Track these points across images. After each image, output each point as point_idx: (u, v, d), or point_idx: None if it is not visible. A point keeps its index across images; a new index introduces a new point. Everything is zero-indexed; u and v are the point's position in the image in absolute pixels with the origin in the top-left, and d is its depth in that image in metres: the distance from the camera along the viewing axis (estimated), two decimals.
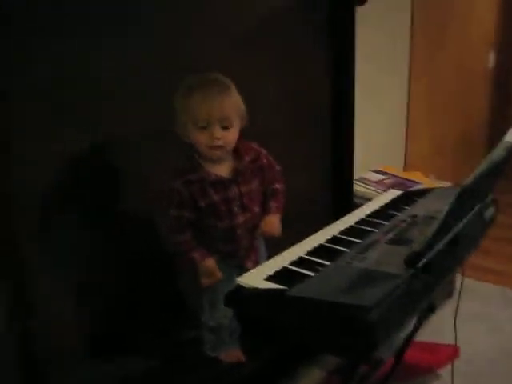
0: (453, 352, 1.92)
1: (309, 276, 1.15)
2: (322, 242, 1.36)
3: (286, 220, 1.61)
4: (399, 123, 3.38)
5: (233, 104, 1.41)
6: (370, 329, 0.95)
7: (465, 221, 1.30)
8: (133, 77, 1.54)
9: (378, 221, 1.48)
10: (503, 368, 2.31)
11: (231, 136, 1.43)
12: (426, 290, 1.13)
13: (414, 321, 1.60)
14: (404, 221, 1.41)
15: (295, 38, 2.09)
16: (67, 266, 1.51)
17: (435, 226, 1.05)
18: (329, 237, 1.39)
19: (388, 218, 1.48)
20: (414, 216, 1.43)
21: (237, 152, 1.49)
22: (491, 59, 4.49)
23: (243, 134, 1.50)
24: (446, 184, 2.85)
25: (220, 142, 1.41)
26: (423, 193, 1.69)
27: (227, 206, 1.48)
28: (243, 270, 1.52)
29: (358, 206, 1.68)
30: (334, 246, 1.33)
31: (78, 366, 1.59)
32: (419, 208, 1.52)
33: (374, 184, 2.59)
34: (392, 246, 1.25)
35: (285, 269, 1.22)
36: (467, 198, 1.19)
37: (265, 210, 1.56)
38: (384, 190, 2.42)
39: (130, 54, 1.53)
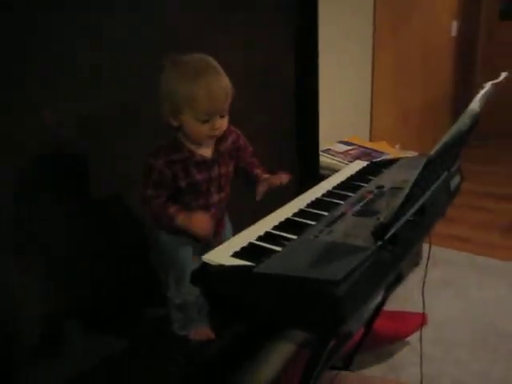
0: (421, 319, 1.94)
1: (275, 251, 1.13)
2: (288, 216, 1.34)
3: (251, 194, 1.59)
4: (364, 94, 3.37)
5: (230, 93, 1.38)
6: (337, 303, 0.93)
7: (431, 190, 1.30)
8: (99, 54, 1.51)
9: (344, 193, 1.46)
10: (470, 333, 2.36)
11: (226, 123, 1.42)
12: (393, 262, 1.12)
13: (382, 291, 1.60)
14: (370, 192, 1.40)
15: (257, 9, 2.05)
16: (30, 242, 1.48)
17: (402, 196, 1.03)
18: (295, 210, 1.37)
19: (354, 189, 1.46)
20: (381, 187, 1.42)
21: None
22: (454, 28, 4.51)
23: None
24: (411, 153, 2.87)
25: (218, 132, 1.40)
26: (389, 163, 1.68)
27: (207, 185, 1.47)
28: (209, 246, 1.52)
29: (324, 177, 1.66)
30: (300, 220, 1.31)
31: (43, 349, 1.56)
32: (385, 179, 1.50)
33: (340, 155, 2.58)
34: (359, 218, 1.24)
35: (251, 244, 1.19)
36: (433, 168, 1.18)
37: (253, 180, 1.57)
38: (350, 161, 2.42)
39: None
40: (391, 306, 2.29)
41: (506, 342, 2.29)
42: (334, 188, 1.52)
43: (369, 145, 2.77)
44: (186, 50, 1.52)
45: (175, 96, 1.34)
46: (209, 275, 1.14)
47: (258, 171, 1.57)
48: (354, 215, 1.26)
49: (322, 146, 2.58)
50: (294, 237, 1.19)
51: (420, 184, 1.12)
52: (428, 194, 1.27)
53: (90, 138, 1.57)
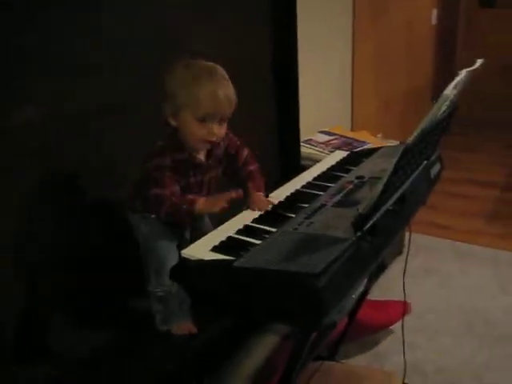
0: (404, 308, 1.95)
1: (255, 244, 1.12)
2: (268, 209, 1.33)
3: (232, 186, 1.58)
4: (345, 84, 3.36)
5: (234, 104, 1.37)
6: (318, 296, 0.93)
7: (411, 179, 1.29)
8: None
9: (324, 183, 1.46)
10: (454, 320, 2.38)
11: (224, 130, 1.40)
12: (374, 252, 1.11)
13: (364, 281, 1.60)
14: (350, 182, 1.39)
15: (236, 0, 2.03)
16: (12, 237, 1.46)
17: (380, 186, 1.03)
18: (275, 202, 1.36)
19: (335, 180, 1.46)
20: (361, 177, 1.42)
21: None
22: (434, 17, 4.52)
23: None
24: (393, 142, 2.87)
25: (215, 138, 1.38)
26: (369, 153, 1.67)
27: (198, 188, 1.46)
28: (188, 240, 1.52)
29: (305, 168, 1.65)
30: (280, 212, 1.30)
31: (22, 342, 1.54)
32: (365, 169, 1.50)
33: (321, 145, 2.57)
34: (339, 209, 1.23)
35: (230, 238, 1.18)
36: (412, 157, 1.18)
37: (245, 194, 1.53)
38: (331, 151, 2.41)
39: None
40: (375, 295, 2.30)
41: (489, 328, 2.31)
42: (314, 179, 1.51)
43: (350, 134, 2.77)
44: (163, 41, 1.53)
45: (178, 94, 1.34)
46: (188, 270, 1.13)
47: (249, 185, 1.50)
48: (333, 206, 1.25)
49: (304, 136, 2.57)
50: (274, 229, 1.18)
51: (398, 173, 1.11)
52: (407, 183, 1.26)
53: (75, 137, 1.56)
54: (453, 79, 1.19)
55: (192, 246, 1.17)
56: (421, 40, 4.39)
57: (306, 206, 1.30)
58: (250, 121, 2.01)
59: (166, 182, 1.36)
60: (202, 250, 1.14)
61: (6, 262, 1.44)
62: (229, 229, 1.23)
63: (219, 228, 1.25)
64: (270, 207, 1.36)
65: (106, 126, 1.61)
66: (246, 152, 1.55)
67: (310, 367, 1.70)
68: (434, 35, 4.65)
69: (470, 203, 3.58)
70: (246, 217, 1.29)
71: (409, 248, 1.54)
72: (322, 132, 2.73)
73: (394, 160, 1.01)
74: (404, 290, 1.53)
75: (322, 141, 2.62)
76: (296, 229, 1.15)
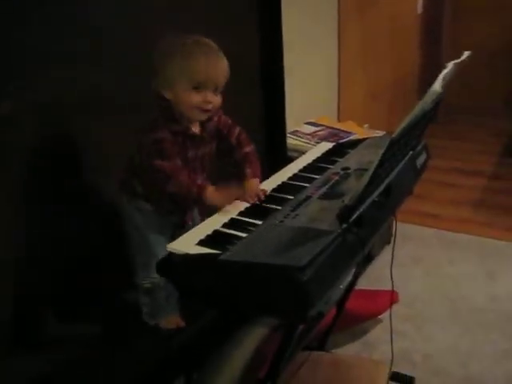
0: (392, 297, 1.96)
1: (241, 238, 1.12)
2: (261, 198, 1.33)
3: (219, 178, 1.57)
4: (332, 74, 3.35)
5: (226, 75, 1.39)
6: (303, 288, 0.93)
7: (396, 170, 1.30)
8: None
9: (310, 175, 1.46)
10: (441, 308, 2.40)
11: (219, 101, 1.41)
12: (360, 244, 1.12)
13: (352, 271, 1.61)
14: (336, 174, 1.39)
15: None
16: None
17: (366, 178, 1.03)
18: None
19: (320, 171, 1.46)
20: (346, 168, 1.42)
21: None
22: (419, 6, 4.51)
23: None
24: (379, 133, 2.87)
25: (210, 106, 1.38)
26: (355, 144, 1.67)
27: (194, 163, 1.45)
28: (179, 229, 1.51)
29: (292, 159, 1.65)
30: (266, 205, 1.30)
31: (13, 338, 1.53)
32: (351, 160, 1.50)
33: (308, 136, 2.57)
34: (325, 201, 1.23)
35: (216, 232, 1.18)
36: (397, 148, 1.18)
37: (242, 178, 1.52)
38: (317, 142, 2.41)
39: None
40: (364, 284, 2.32)
41: (476, 315, 2.33)
42: (300, 171, 1.51)
43: (336, 125, 2.77)
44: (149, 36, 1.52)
45: (170, 65, 1.34)
46: (174, 265, 1.13)
47: (247, 171, 1.49)
48: (319, 198, 1.25)
49: (291, 127, 2.57)
50: (260, 222, 1.18)
51: (384, 165, 1.11)
52: (393, 174, 1.27)
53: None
54: (441, 69, 1.20)
55: (178, 240, 1.17)
56: (407, 30, 4.39)
57: (292, 198, 1.30)
58: (236, 113, 1.99)
59: (168, 153, 1.35)
60: (187, 243, 1.14)
61: None
62: (215, 222, 1.22)
63: (205, 221, 1.25)
64: (262, 197, 1.36)
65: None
66: (237, 130, 1.53)
67: (299, 358, 1.71)
68: (420, 25, 4.64)
69: (458, 192, 3.60)
70: (232, 210, 1.29)
71: (395, 238, 1.55)
72: (308, 123, 2.73)
73: (380, 151, 1.01)
74: (392, 279, 1.54)
75: (308, 132, 2.62)
76: (282, 221, 1.15)
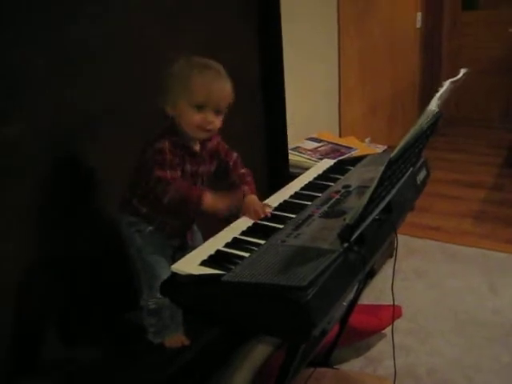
0: (395, 312, 1.97)
1: (244, 257, 1.13)
2: (256, 221, 1.34)
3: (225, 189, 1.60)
4: (332, 88, 3.38)
5: (229, 98, 1.42)
6: (305, 309, 0.94)
7: (397, 188, 1.31)
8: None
9: (311, 193, 1.47)
10: (445, 322, 2.40)
11: (220, 122, 1.43)
12: (361, 262, 1.13)
13: (354, 288, 1.62)
14: (337, 192, 1.41)
15: (218, 7, 2.04)
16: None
17: (366, 197, 1.04)
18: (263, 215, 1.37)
19: (322, 189, 1.47)
20: (347, 186, 1.43)
21: None
22: (418, 19, 4.55)
23: None
24: (380, 147, 2.90)
25: (210, 126, 1.41)
26: (356, 161, 1.69)
27: (193, 179, 1.47)
28: (182, 250, 1.53)
29: (294, 176, 1.67)
30: (268, 224, 1.31)
31: (15, 357, 1.53)
32: (352, 177, 1.52)
33: (310, 152, 2.59)
34: (326, 220, 1.25)
35: (219, 252, 1.19)
36: (397, 167, 1.19)
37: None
38: (319, 158, 2.43)
39: None
40: (368, 298, 2.33)
41: (480, 329, 2.33)
42: (302, 189, 1.53)
43: (338, 140, 2.79)
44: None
45: (175, 85, 1.38)
46: (178, 286, 1.14)
47: (244, 188, 1.53)
48: (321, 217, 1.27)
49: (292, 143, 2.59)
50: (262, 242, 1.19)
51: (384, 184, 1.12)
52: (393, 191, 1.28)
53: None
54: (441, 81, 1.21)
55: (181, 260, 1.18)
56: (406, 43, 4.43)
57: (294, 216, 1.31)
58: (237, 130, 2.02)
59: (168, 164, 1.37)
60: (191, 264, 1.15)
61: None
62: (217, 242, 1.24)
63: (208, 241, 1.26)
64: (268, 212, 1.38)
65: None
66: (235, 154, 1.58)
67: (303, 374, 1.71)
68: (419, 38, 4.68)
69: (459, 204, 3.61)
70: (235, 229, 1.30)
71: (396, 253, 1.55)
72: (309, 139, 2.75)
73: (380, 169, 1.03)
74: (393, 293, 1.55)
75: (309, 148, 2.64)
76: (284, 241, 1.16)
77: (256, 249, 1.16)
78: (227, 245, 1.22)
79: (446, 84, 1.21)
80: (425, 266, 2.86)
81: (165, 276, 1.20)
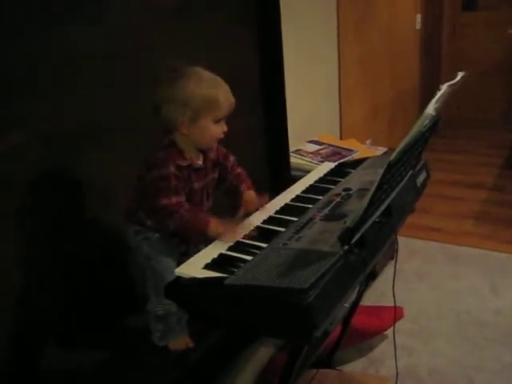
0: (397, 313, 1.98)
1: (246, 261, 1.15)
2: (258, 224, 1.36)
3: (223, 200, 1.61)
4: (333, 91, 3.40)
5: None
6: (306, 311, 0.95)
7: (396, 190, 1.32)
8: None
9: (313, 196, 1.49)
10: (445, 323, 2.41)
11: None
12: (362, 264, 1.14)
13: (355, 290, 1.64)
14: (338, 195, 1.42)
15: (218, 9, 2.06)
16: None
17: (366, 200, 1.06)
18: (265, 217, 1.39)
19: (323, 192, 1.49)
20: (348, 189, 1.45)
21: None
22: (418, 21, 4.57)
23: None
24: (381, 149, 2.91)
25: (223, 135, 1.46)
26: (356, 163, 1.70)
27: (201, 193, 1.51)
28: (187, 255, 1.51)
29: (296, 179, 1.69)
30: (270, 227, 1.33)
31: (23, 356, 1.56)
32: (352, 180, 1.53)
33: (311, 155, 2.60)
34: (327, 223, 1.26)
35: (222, 255, 1.21)
36: (396, 170, 1.21)
37: (238, 196, 1.58)
38: (320, 161, 2.45)
39: None
40: (370, 300, 2.34)
41: (481, 329, 2.34)
42: (303, 192, 1.55)
43: (338, 143, 2.81)
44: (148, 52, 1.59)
45: (200, 100, 1.38)
46: (182, 289, 1.16)
47: (241, 187, 1.57)
48: (321, 220, 1.28)
49: (294, 146, 2.60)
50: (265, 245, 1.21)
51: (383, 187, 1.14)
52: (393, 194, 1.30)
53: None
54: (442, 82, 1.22)
55: (185, 264, 1.20)
56: (406, 45, 4.44)
57: (295, 219, 1.33)
58: (239, 133, 2.03)
59: (173, 191, 1.39)
60: (194, 267, 1.17)
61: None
62: (220, 245, 1.26)
63: (211, 245, 1.28)
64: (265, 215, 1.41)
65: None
66: (232, 157, 1.61)
67: (306, 375, 1.73)
68: (419, 40, 4.70)
69: (460, 205, 3.62)
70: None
71: (397, 256, 1.57)
72: (310, 141, 2.77)
73: (380, 172, 1.04)
74: (394, 294, 1.56)
75: (311, 150, 2.66)
76: (285, 244, 1.18)
77: (258, 252, 1.18)
78: (230, 248, 1.24)
79: (444, 88, 1.22)
80: (426, 267, 2.87)
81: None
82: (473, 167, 4.27)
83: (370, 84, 3.80)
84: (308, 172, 1.75)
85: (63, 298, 1.64)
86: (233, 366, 1.66)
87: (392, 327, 2.17)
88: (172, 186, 1.38)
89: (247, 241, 1.27)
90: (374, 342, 2.29)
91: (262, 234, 1.30)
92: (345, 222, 1.18)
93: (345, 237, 1.09)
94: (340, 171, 1.68)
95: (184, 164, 1.43)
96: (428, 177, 1.65)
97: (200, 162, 1.49)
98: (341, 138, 3.34)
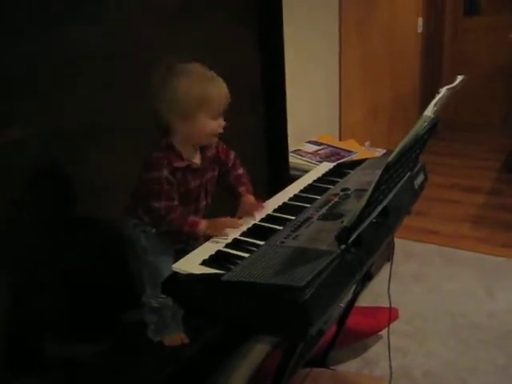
0: (392, 314, 1.99)
1: (243, 258, 1.16)
2: (256, 222, 1.37)
3: (221, 198, 1.62)
4: (333, 92, 3.41)
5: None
6: (302, 309, 0.96)
7: (394, 192, 1.33)
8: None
9: (310, 196, 1.50)
10: (442, 325, 2.42)
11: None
12: (358, 264, 1.15)
13: (351, 290, 1.64)
14: (336, 195, 1.43)
15: (219, 9, 2.06)
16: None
17: (363, 200, 1.07)
18: (263, 216, 1.40)
19: (321, 192, 1.50)
20: (346, 189, 1.46)
21: None
22: (420, 25, 4.58)
23: None
24: (380, 150, 2.92)
25: (220, 129, 1.46)
26: (355, 164, 1.71)
27: (198, 192, 1.51)
28: (184, 251, 1.53)
29: (294, 178, 1.69)
30: (268, 225, 1.34)
31: (18, 352, 1.55)
32: (351, 181, 1.54)
33: (310, 155, 2.61)
34: (324, 222, 1.27)
35: (219, 252, 1.22)
36: (394, 171, 1.22)
37: (234, 197, 1.58)
38: (319, 161, 2.45)
39: None
40: (366, 301, 2.35)
41: (476, 332, 2.35)
42: (301, 191, 1.55)
43: (337, 144, 2.81)
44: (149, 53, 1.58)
45: (190, 97, 1.38)
46: (179, 284, 1.16)
47: (240, 189, 1.58)
48: (319, 219, 1.29)
49: (293, 146, 2.61)
50: (262, 243, 1.22)
51: (381, 188, 1.15)
52: (390, 195, 1.30)
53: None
54: (443, 85, 1.23)
55: (182, 259, 1.21)
56: (407, 48, 4.45)
57: (293, 218, 1.34)
58: (239, 133, 2.04)
59: (165, 195, 1.40)
60: (191, 263, 1.18)
61: None
62: (218, 242, 1.26)
63: (209, 242, 1.29)
64: (263, 213, 1.41)
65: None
66: (233, 154, 1.61)
67: (299, 374, 1.74)
68: (420, 43, 4.71)
69: (457, 208, 3.63)
70: (235, 229, 1.33)
71: (393, 257, 1.58)
72: (310, 142, 2.78)
73: (378, 173, 1.05)
74: (389, 295, 1.57)
75: (310, 151, 2.67)
76: (283, 242, 1.18)
77: (255, 249, 1.19)
78: (227, 245, 1.25)
79: (443, 91, 1.23)
80: (422, 270, 2.88)
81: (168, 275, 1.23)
82: (471, 171, 4.28)
83: (371, 86, 3.81)
84: (306, 172, 1.75)
85: (59, 294, 1.63)
86: (227, 363, 1.66)
87: (386, 328, 2.20)
88: (164, 190, 1.40)
89: (245, 238, 1.27)
90: (369, 342, 2.30)
91: (259, 231, 1.31)
92: (342, 222, 1.19)
93: (342, 236, 1.10)
94: (338, 171, 1.69)
95: (181, 166, 1.44)
96: (426, 179, 1.66)
97: (198, 162, 1.50)
98: (340, 139, 3.35)
